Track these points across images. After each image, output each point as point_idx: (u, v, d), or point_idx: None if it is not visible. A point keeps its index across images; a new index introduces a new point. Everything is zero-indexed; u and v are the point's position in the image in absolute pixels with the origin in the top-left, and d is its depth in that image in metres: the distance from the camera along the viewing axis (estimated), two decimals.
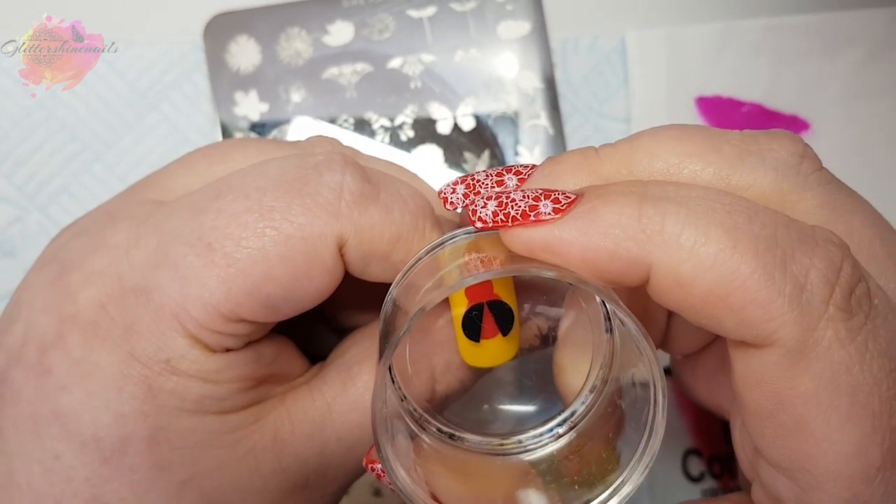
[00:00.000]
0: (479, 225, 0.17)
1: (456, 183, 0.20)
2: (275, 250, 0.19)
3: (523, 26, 0.35)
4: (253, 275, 0.19)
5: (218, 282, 0.19)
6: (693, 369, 0.23)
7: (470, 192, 0.19)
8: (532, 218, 0.16)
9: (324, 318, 0.26)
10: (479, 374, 0.23)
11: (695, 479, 0.34)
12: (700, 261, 0.15)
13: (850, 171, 0.35)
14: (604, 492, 0.19)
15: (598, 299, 0.20)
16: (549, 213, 0.16)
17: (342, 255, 0.20)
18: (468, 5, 0.35)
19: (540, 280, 0.22)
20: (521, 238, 0.17)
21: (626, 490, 0.18)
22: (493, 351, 0.21)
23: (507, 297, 0.20)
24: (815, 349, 0.15)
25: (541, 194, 0.17)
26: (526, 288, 0.22)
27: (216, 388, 0.19)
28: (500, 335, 0.20)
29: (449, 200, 0.19)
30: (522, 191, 0.17)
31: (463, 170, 0.34)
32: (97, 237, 0.20)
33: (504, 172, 0.19)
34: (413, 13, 0.35)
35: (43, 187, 0.34)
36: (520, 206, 0.17)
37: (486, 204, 0.17)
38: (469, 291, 0.20)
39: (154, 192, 0.22)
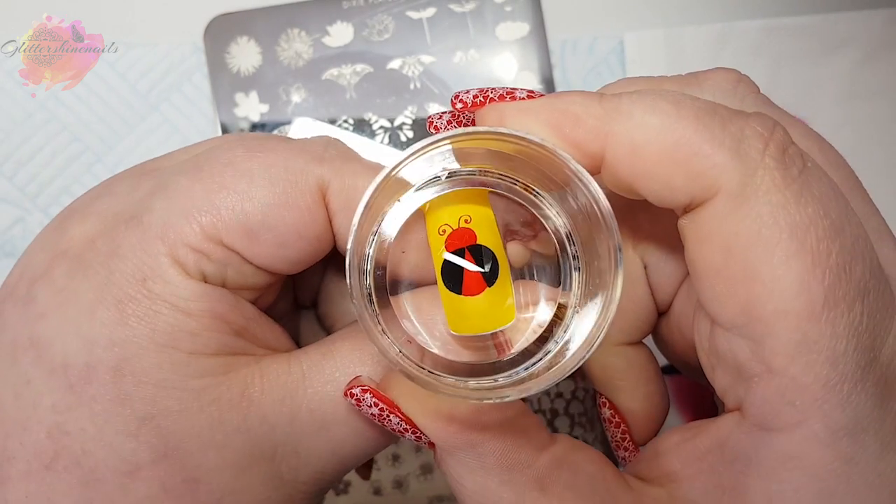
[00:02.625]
0: (458, 106, 0.19)
1: (444, 113, 0.21)
2: (259, 172, 0.20)
3: (522, 27, 0.35)
4: (235, 189, 0.20)
5: (202, 192, 0.19)
6: (667, 321, 0.23)
7: (454, 120, 0.20)
8: (508, 99, 0.19)
9: (323, 325, 0.26)
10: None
11: None
12: (649, 126, 0.17)
13: None
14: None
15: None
16: (524, 98, 0.19)
17: (325, 203, 0.20)
18: (467, 6, 0.35)
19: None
20: (496, 109, 0.19)
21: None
22: (482, 312, 0.19)
23: (494, 246, 0.19)
24: (755, 193, 0.16)
25: (517, 89, 0.19)
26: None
27: (187, 321, 0.19)
28: (486, 288, 0.19)
29: (434, 124, 0.20)
30: (503, 87, 0.19)
31: None
32: (103, 187, 0.21)
33: (489, 91, 0.20)
34: (413, 14, 0.35)
35: (44, 188, 0.34)
36: (498, 92, 0.19)
37: (468, 92, 0.19)
38: (449, 240, 0.19)
39: (156, 163, 0.23)
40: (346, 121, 0.34)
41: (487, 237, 0.19)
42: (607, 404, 0.23)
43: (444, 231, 0.19)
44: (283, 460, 0.20)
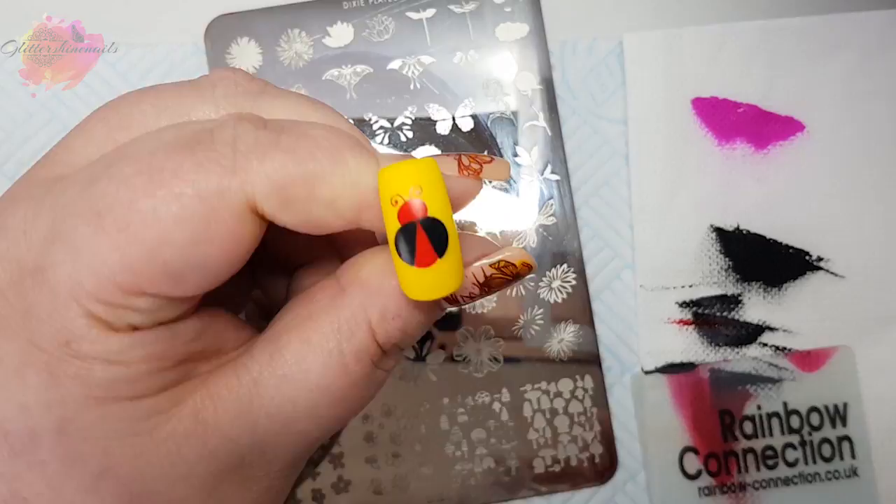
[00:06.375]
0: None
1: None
2: (167, 210, 0.17)
3: (522, 28, 0.35)
4: (146, 239, 0.17)
5: (110, 249, 0.17)
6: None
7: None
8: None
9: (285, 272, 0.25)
10: (423, 319, 0.21)
11: (691, 477, 0.34)
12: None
13: (845, 171, 0.36)
14: None
15: None
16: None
17: (259, 213, 0.19)
18: (467, 7, 0.35)
19: None
20: None
21: None
22: (434, 279, 0.19)
23: (443, 217, 0.19)
24: None
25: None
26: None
27: (124, 371, 0.18)
28: (437, 259, 0.19)
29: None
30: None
31: None
32: None
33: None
34: (412, 15, 0.35)
35: None
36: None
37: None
38: (401, 213, 0.19)
39: (54, 169, 0.20)
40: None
41: (438, 208, 0.19)
42: None
43: (396, 202, 0.19)
44: (251, 465, 0.20)
